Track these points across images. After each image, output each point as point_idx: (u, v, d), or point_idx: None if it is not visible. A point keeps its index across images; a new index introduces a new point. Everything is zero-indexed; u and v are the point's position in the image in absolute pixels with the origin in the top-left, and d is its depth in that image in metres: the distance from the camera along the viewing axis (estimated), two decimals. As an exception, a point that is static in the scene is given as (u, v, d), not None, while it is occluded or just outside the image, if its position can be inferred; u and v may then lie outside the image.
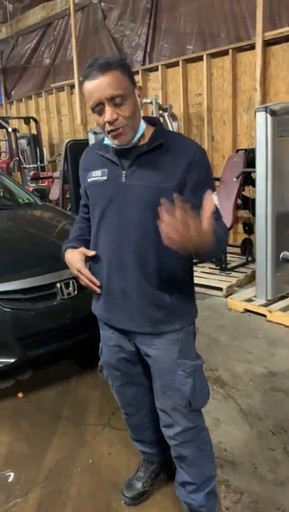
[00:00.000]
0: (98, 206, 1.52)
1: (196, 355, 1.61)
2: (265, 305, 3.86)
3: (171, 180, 1.39)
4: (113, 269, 1.50)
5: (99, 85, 1.31)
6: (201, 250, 1.23)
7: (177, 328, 1.53)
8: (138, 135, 1.41)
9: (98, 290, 1.53)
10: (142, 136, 1.44)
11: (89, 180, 1.55)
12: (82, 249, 1.57)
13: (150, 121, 1.51)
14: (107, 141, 1.46)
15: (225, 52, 5.51)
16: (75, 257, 1.55)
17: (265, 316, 3.76)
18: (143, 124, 1.44)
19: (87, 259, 1.56)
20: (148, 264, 1.44)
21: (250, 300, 4.01)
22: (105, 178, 1.48)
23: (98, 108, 1.35)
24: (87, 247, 1.58)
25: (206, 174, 1.45)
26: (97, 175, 1.51)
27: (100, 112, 1.35)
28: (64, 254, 1.62)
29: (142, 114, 1.47)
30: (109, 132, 1.38)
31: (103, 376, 1.80)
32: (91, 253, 1.54)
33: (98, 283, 1.52)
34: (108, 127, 1.36)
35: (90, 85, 1.33)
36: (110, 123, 1.35)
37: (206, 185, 1.37)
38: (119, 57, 1.44)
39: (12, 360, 2.61)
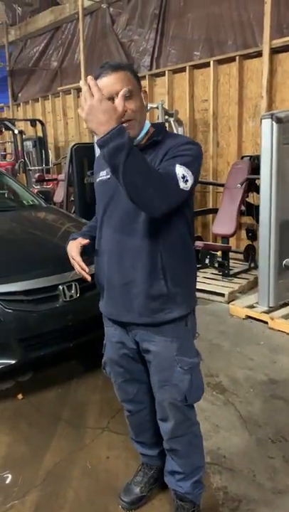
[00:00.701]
0: (102, 202, 1.62)
1: (194, 352, 1.66)
2: (267, 312, 3.85)
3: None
4: (113, 261, 1.57)
5: (110, 81, 1.43)
6: (99, 132, 1.26)
7: (176, 317, 1.57)
8: (143, 132, 1.51)
9: (88, 277, 1.61)
10: (146, 135, 1.53)
11: (96, 180, 1.66)
12: (79, 239, 1.69)
13: (154, 125, 1.60)
14: None
15: (232, 59, 5.53)
16: (72, 247, 1.67)
17: (266, 323, 3.75)
18: (148, 123, 1.54)
19: (87, 249, 1.68)
20: (144, 253, 1.51)
21: (252, 306, 4.01)
22: (108, 176, 1.55)
23: None
24: (93, 243, 1.69)
25: (180, 151, 1.43)
26: (102, 175, 1.62)
27: None
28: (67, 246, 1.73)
29: (148, 119, 1.56)
30: None
31: (106, 373, 1.84)
32: (84, 241, 1.67)
33: (87, 269, 1.61)
34: None
35: (102, 82, 1.43)
36: None
37: (175, 160, 1.41)
38: (129, 62, 1.55)
39: (13, 362, 2.62)
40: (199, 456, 1.79)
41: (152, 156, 1.49)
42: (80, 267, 1.62)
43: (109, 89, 1.42)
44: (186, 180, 1.41)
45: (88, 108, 1.25)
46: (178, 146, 1.46)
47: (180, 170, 1.40)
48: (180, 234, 1.56)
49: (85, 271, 1.60)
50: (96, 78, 1.44)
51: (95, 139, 4.63)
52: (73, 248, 1.66)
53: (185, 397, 1.62)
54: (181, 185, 1.40)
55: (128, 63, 1.52)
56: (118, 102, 1.29)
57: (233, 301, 4.25)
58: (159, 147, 1.50)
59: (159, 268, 1.51)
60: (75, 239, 1.71)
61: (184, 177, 1.41)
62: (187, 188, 1.41)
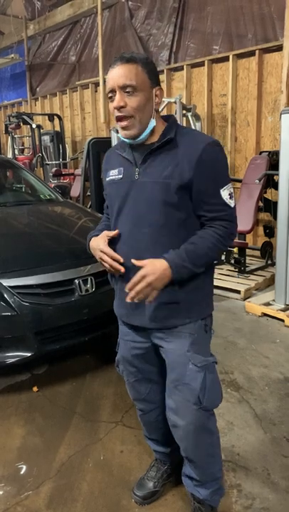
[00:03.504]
0: (115, 204, 1.58)
1: (209, 353, 1.63)
2: (284, 310, 3.81)
3: (176, 176, 1.43)
4: (127, 264, 1.53)
5: (116, 74, 1.41)
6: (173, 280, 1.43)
7: (187, 322, 1.55)
8: (146, 131, 1.46)
9: (122, 269, 1.51)
10: (154, 133, 1.49)
11: (107, 179, 1.62)
12: (105, 231, 1.61)
13: (165, 118, 1.55)
14: None
15: (251, 53, 5.45)
16: (98, 241, 1.58)
17: (283, 320, 3.71)
18: (153, 122, 1.47)
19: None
20: (157, 257, 1.47)
21: (268, 304, 3.97)
22: (121, 176, 1.55)
23: (111, 95, 1.43)
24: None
25: (216, 172, 1.45)
26: (114, 174, 1.58)
27: (112, 99, 1.44)
28: (89, 244, 1.66)
29: (160, 114, 1.53)
30: (117, 120, 1.45)
31: (119, 371, 1.82)
32: (113, 233, 1.57)
33: (121, 259, 1.51)
34: (116, 113, 1.43)
35: (110, 73, 1.43)
36: (117, 109, 1.42)
37: (216, 186, 1.45)
38: (146, 56, 1.49)
39: (28, 354, 2.64)
40: (217, 467, 1.72)
41: (169, 159, 1.44)
42: (112, 258, 1.52)
43: (113, 82, 1.41)
44: (232, 196, 1.46)
45: (151, 283, 1.39)
46: (209, 161, 1.42)
47: (225, 193, 1.45)
48: None
49: (119, 261, 1.52)
50: (109, 68, 1.46)
51: (112, 133, 4.66)
52: (101, 241, 1.56)
53: (199, 398, 1.54)
54: (232, 203, 1.47)
55: (144, 56, 1.45)
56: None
57: (249, 298, 4.21)
58: (176, 147, 1.45)
59: None
60: (96, 235, 1.64)
61: (230, 195, 1.46)
62: (234, 201, 1.48)
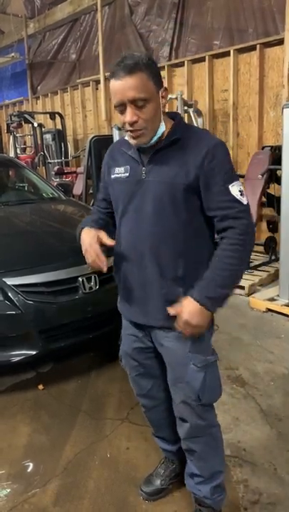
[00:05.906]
0: (121, 202, 1.56)
1: (210, 351, 1.61)
2: (288, 305, 3.80)
3: (182, 176, 1.42)
4: (131, 262, 1.55)
5: (123, 87, 1.33)
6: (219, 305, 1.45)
7: None
8: (156, 137, 1.44)
9: (104, 268, 1.50)
10: (162, 134, 1.46)
11: (112, 176, 1.59)
12: (102, 232, 1.54)
13: (171, 116, 1.52)
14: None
15: (252, 48, 5.42)
16: (90, 234, 1.54)
17: (287, 316, 3.70)
18: (163, 127, 1.45)
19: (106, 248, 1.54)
20: (162, 257, 1.48)
21: (272, 299, 3.96)
22: (127, 174, 1.53)
23: (120, 108, 1.38)
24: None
25: (222, 169, 1.42)
26: (120, 172, 1.56)
27: (122, 112, 1.38)
28: (79, 234, 1.61)
29: (166, 110, 1.49)
30: (127, 131, 1.42)
31: (123, 365, 1.83)
32: (108, 242, 1.51)
33: (105, 261, 1.49)
34: (127, 127, 1.40)
35: (115, 85, 1.36)
36: (130, 124, 1.38)
37: (224, 182, 1.41)
38: (148, 56, 1.39)
39: (33, 353, 2.65)
40: (219, 460, 1.73)
41: (176, 159, 1.44)
42: (95, 254, 1.49)
43: (121, 95, 1.34)
44: (243, 194, 1.42)
45: (197, 325, 1.42)
46: (213, 160, 1.40)
47: (234, 189, 1.41)
48: (206, 240, 1.53)
49: (102, 262, 1.49)
50: (111, 76, 1.37)
51: (114, 131, 4.68)
52: (91, 236, 1.53)
53: (198, 396, 1.56)
54: (244, 200, 1.42)
55: (147, 60, 1.35)
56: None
57: (253, 293, 4.20)
58: (182, 147, 1.44)
59: (178, 275, 1.49)
60: (90, 227, 1.60)
61: (241, 192, 1.42)
62: (247, 199, 1.44)
